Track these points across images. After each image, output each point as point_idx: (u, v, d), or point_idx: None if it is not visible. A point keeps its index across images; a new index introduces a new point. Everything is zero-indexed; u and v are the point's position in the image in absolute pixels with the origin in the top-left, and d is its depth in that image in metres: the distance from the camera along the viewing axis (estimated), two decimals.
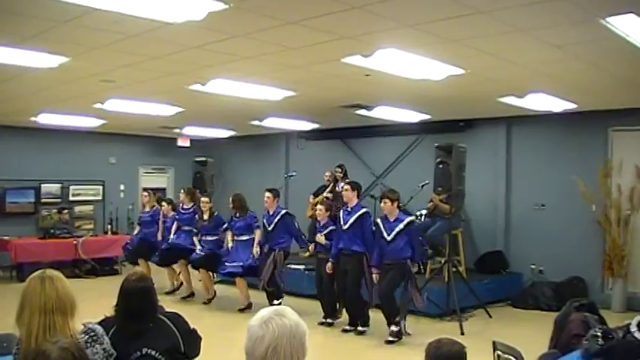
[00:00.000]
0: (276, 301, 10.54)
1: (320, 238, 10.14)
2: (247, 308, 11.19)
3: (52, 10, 5.81)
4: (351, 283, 9.60)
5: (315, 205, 11.46)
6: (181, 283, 13.00)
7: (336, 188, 12.91)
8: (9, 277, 14.21)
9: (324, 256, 10.06)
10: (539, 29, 6.44)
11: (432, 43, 7.01)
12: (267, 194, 11.01)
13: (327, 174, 13.68)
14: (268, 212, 11.03)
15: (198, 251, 11.79)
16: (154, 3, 5.55)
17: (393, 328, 9.17)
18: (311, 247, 10.95)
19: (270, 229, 10.91)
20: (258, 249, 11.00)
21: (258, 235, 11.14)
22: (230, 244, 11.46)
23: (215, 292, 12.10)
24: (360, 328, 9.75)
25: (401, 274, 9.12)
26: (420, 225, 11.44)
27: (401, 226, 9.13)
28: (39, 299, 3.37)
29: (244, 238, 11.21)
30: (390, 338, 9.12)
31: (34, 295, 3.38)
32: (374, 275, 9.37)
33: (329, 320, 10.14)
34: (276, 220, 10.87)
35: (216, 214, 11.99)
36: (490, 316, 10.82)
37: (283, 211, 11.05)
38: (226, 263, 11.21)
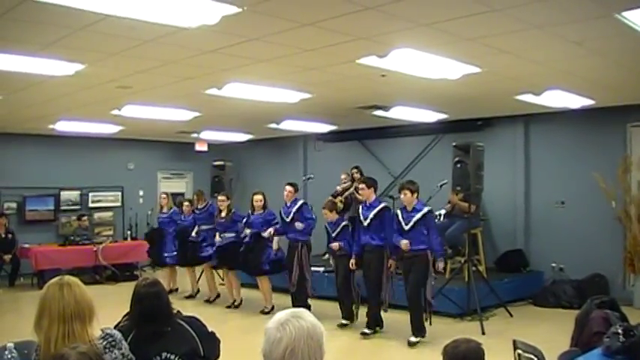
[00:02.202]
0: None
1: (335, 245, 10.14)
2: (271, 311, 11.20)
3: (67, 17, 5.84)
4: (373, 280, 9.57)
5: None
6: (198, 290, 13.19)
7: (351, 189, 12.91)
8: (30, 285, 14.30)
9: (344, 252, 10.07)
10: (555, 25, 6.40)
11: (448, 42, 6.98)
12: (289, 187, 10.96)
13: (342, 176, 13.65)
14: (286, 204, 10.99)
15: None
16: (168, 8, 5.57)
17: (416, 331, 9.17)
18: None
19: (288, 219, 10.85)
20: (267, 234, 11.06)
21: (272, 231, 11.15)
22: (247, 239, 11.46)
23: (241, 299, 12.09)
24: (366, 331, 9.72)
25: (423, 273, 9.03)
26: (439, 225, 11.38)
27: (418, 215, 9.05)
28: (57, 305, 3.37)
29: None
30: (413, 339, 9.08)
31: (52, 302, 3.39)
32: (391, 263, 9.44)
33: (344, 322, 10.12)
34: (294, 210, 10.81)
35: (233, 211, 11.97)
36: (511, 315, 10.76)
37: (301, 201, 11.01)
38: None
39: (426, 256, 9.03)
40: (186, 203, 13.29)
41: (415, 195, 9.19)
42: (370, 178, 10.13)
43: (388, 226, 9.44)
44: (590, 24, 6.33)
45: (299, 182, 11.75)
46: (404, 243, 9.05)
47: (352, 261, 9.82)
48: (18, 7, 5.58)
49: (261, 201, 11.30)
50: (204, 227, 12.53)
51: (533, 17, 6.09)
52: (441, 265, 9.20)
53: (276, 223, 11.18)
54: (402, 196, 9.27)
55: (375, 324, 9.73)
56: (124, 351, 3.56)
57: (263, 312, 11.23)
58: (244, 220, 11.69)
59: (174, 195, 14.95)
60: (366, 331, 9.70)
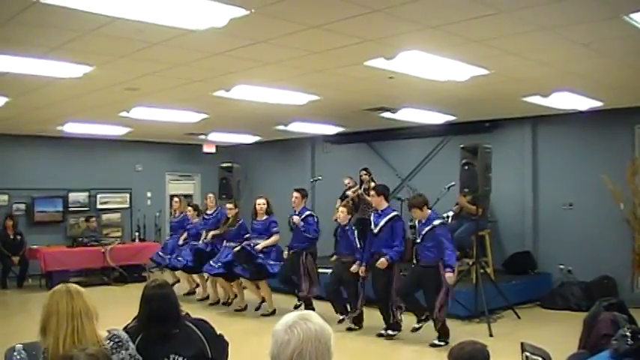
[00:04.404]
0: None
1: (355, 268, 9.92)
2: (272, 314, 11.20)
3: (76, 20, 5.86)
4: (383, 287, 9.51)
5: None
6: (235, 296, 12.43)
7: (359, 190, 12.91)
8: (38, 286, 14.32)
9: (348, 259, 9.99)
10: (563, 27, 6.40)
11: (455, 44, 6.98)
12: (296, 194, 10.97)
13: (346, 181, 13.55)
14: (295, 211, 10.99)
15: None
16: (176, 11, 5.58)
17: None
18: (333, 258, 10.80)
19: (294, 227, 10.94)
20: (260, 247, 10.98)
21: (273, 239, 11.13)
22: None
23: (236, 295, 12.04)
24: (390, 332, 9.64)
25: (434, 284, 8.88)
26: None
27: (427, 228, 9.02)
28: (65, 305, 3.40)
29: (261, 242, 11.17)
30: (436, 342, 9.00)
31: (60, 302, 3.41)
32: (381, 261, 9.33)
33: (343, 317, 10.01)
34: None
35: (240, 221, 11.82)
36: (519, 317, 10.74)
37: (307, 212, 11.00)
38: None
39: (436, 268, 8.89)
40: (189, 209, 13.17)
41: (425, 208, 9.12)
42: (381, 185, 10.16)
43: (398, 235, 9.43)
44: (598, 26, 6.33)
45: (307, 184, 11.74)
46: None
47: (362, 268, 9.73)
48: (27, 10, 5.60)
49: (264, 204, 11.27)
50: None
51: (540, 19, 6.09)
52: (448, 275, 8.67)
53: (277, 231, 11.18)
54: (413, 214, 9.34)
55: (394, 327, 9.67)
56: (130, 351, 3.58)
57: (264, 314, 11.20)
58: (247, 235, 11.55)
59: (184, 196, 14.92)
60: (383, 332, 9.68)
